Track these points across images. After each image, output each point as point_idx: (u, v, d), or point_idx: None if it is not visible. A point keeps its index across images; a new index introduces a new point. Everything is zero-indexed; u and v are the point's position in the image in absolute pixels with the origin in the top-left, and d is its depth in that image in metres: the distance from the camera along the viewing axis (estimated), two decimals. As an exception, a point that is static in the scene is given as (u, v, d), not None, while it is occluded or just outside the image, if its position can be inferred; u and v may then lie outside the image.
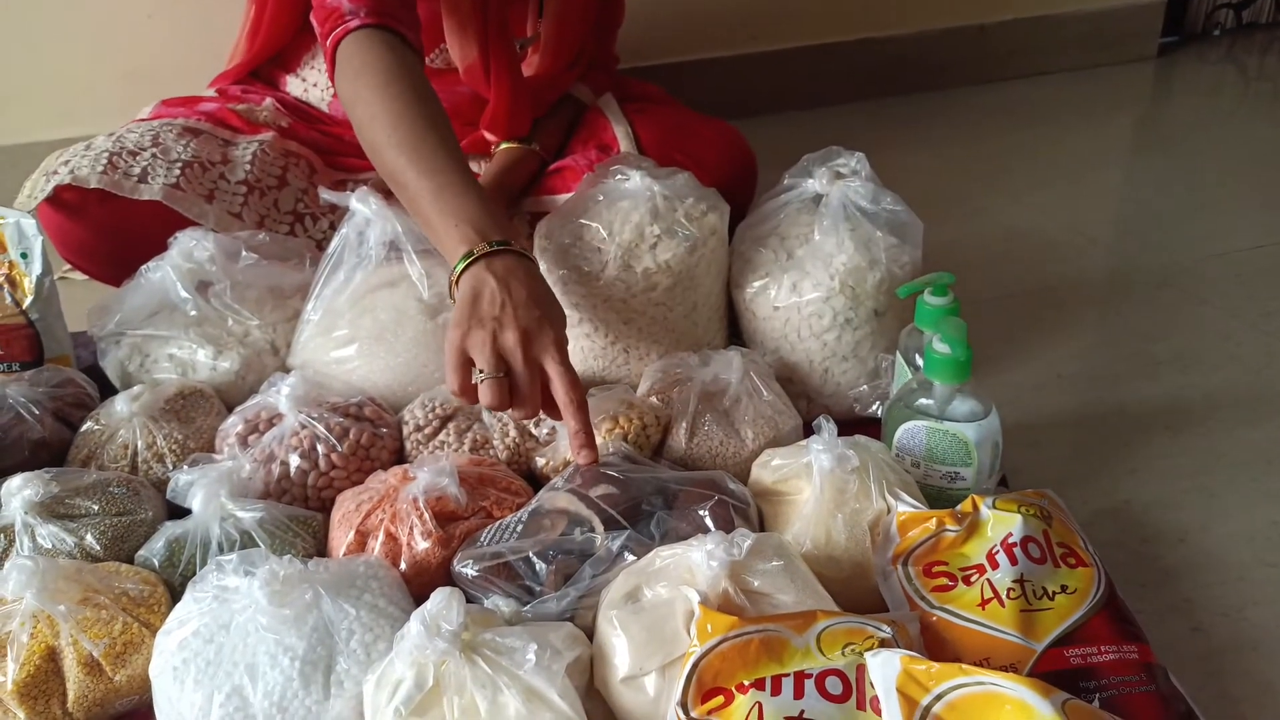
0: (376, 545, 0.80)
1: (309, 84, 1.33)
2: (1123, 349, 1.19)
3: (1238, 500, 0.94)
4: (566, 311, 0.91)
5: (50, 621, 0.72)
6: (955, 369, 0.82)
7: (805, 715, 0.59)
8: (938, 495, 0.85)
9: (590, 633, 0.71)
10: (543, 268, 1.03)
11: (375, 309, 1.02)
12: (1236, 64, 2.25)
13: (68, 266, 1.20)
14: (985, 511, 0.77)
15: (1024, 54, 2.11)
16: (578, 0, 1.26)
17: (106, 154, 1.09)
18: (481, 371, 0.83)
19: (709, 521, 0.78)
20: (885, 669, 0.60)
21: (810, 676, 0.61)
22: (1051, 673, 0.66)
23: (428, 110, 0.96)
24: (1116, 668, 0.67)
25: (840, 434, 0.81)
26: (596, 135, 1.27)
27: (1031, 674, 0.66)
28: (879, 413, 1.02)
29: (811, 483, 0.80)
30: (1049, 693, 0.56)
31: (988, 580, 0.72)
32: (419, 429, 0.95)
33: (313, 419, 0.91)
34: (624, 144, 1.23)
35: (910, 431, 0.85)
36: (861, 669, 0.62)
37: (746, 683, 0.61)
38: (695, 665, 0.63)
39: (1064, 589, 0.72)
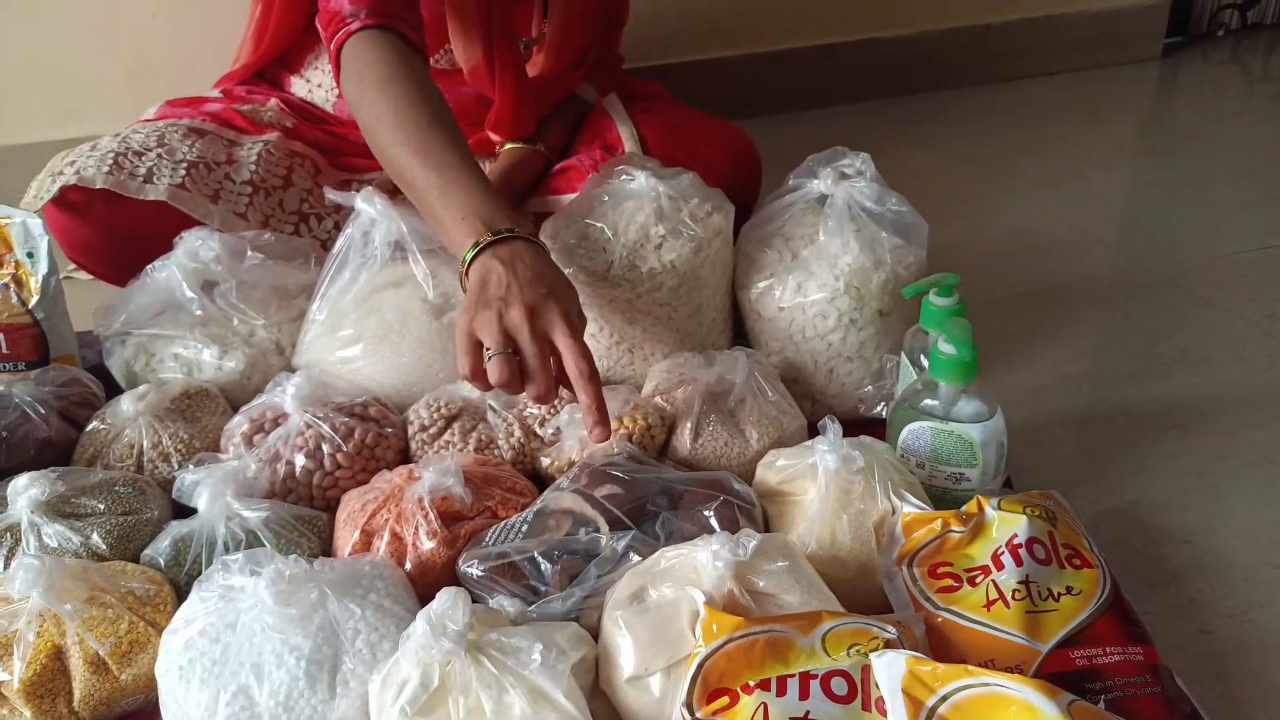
0: (382, 545, 0.80)
1: (313, 85, 1.33)
2: (1128, 350, 1.19)
3: (1244, 501, 0.94)
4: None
5: (56, 620, 0.73)
6: (960, 369, 0.82)
7: (811, 716, 0.59)
8: (943, 496, 0.85)
9: (595, 633, 0.72)
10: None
11: (380, 309, 1.02)
12: (1241, 64, 2.25)
13: (73, 266, 1.20)
14: (990, 512, 0.77)
15: (1029, 54, 2.11)
16: (583, 0, 1.26)
17: (112, 154, 1.10)
18: (490, 350, 0.82)
19: (714, 522, 0.78)
20: (891, 670, 0.60)
21: (816, 677, 0.61)
22: (1057, 674, 0.66)
23: (431, 108, 0.96)
24: (1122, 669, 0.67)
25: (845, 435, 0.81)
26: (601, 135, 1.27)
27: (1037, 675, 0.66)
28: (884, 413, 1.02)
29: (816, 483, 0.80)
30: (1055, 694, 0.56)
31: (993, 581, 0.72)
32: (424, 429, 0.95)
33: (318, 419, 0.92)
34: (628, 144, 1.23)
35: (915, 432, 0.85)
36: (867, 670, 0.62)
37: (752, 683, 0.61)
38: (700, 666, 0.63)
39: (1069, 590, 0.72)
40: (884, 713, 0.59)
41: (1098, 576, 0.73)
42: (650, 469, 0.84)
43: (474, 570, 0.76)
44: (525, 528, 0.78)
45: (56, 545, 0.81)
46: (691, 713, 0.61)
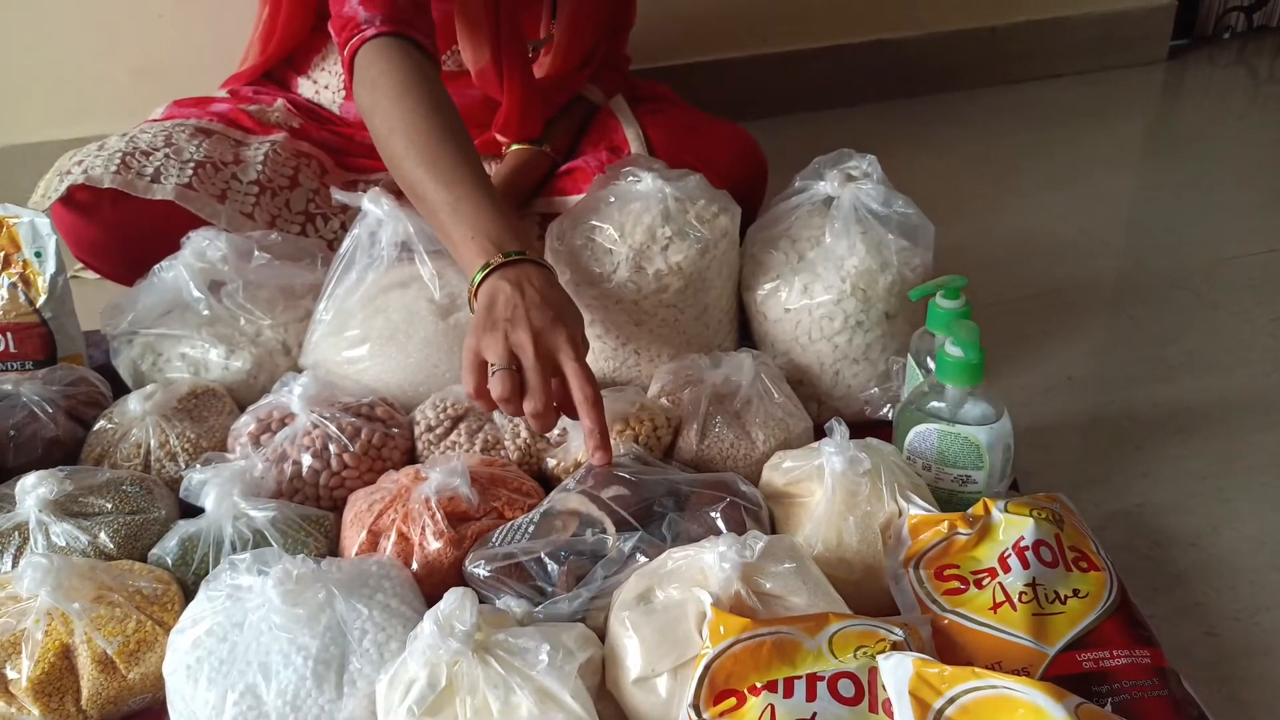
0: (388, 545, 0.80)
1: (320, 86, 1.34)
2: (1135, 352, 1.19)
3: (1250, 504, 0.94)
4: (577, 312, 0.91)
5: (64, 619, 0.73)
6: (967, 372, 0.82)
7: (817, 718, 0.59)
8: (949, 498, 0.85)
9: (602, 634, 0.72)
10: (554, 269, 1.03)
11: (387, 309, 1.02)
12: (1247, 67, 2.24)
13: (80, 265, 1.20)
14: (997, 515, 0.76)
15: (1035, 56, 2.11)
16: (590, 1, 1.26)
17: (120, 154, 1.10)
18: (493, 365, 0.83)
19: (721, 523, 0.78)
20: (898, 672, 0.60)
21: (822, 679, 0.61)
22: (1063, 677, 0.66)
23: (444, 121, 0.97)
24: (1129, 672, 0.67)
25: (851, 437, 0.81)
26: (607, 137, 1.28)
27: (1044, 678, 0.65)
28: (890, 415, 1.02)
29: (823, 485, 0.80)
30: (1062, 697, 0.56)
31: (999, 584, 0.72)
32: (430, 429, 0.95)
33: (325, 419, 0.92)
34: (635, 145, 1.23)
35: (922, 434, 0.85)
36: (874, 672, 0.62)
37: (759, 685, 0.61)
38: (707, 667, 0.63)
39: (1076, 593, 0.72)
40: (891, 715, 0.59)
41: (1104, 579, 0.73)
42: (656, 470, 0.84)
43: (481, 571, 0.76)
44: (532, 528, 0.78)
45: (64, 544, 0.81)
46: (698, 714, 0.61)
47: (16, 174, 1.54)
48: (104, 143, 1.13)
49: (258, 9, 1.31)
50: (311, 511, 0.86)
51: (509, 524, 0.80)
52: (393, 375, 1.01)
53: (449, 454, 0.92)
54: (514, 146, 1.27)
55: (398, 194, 1.04)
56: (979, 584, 0.73)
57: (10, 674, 0.71)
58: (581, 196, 1.14)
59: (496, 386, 0.82)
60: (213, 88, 1.36)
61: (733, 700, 0.61)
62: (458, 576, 0.79)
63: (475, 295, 0.88)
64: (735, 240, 1.06)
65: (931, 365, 0.87)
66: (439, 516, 0.80)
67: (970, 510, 0.78)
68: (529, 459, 0.94)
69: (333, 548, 0.85)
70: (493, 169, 1.28)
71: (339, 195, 1.04)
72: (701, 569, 0.69)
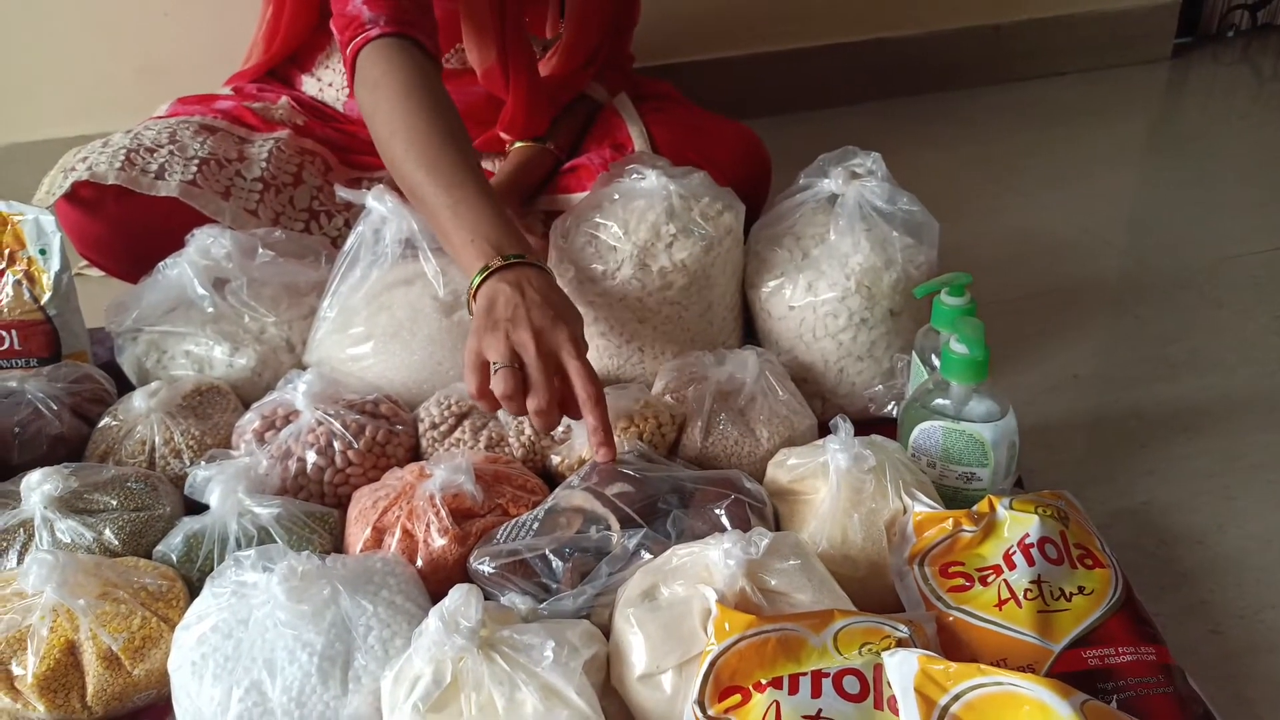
0: (393, 542, 0.80)
1: (324, 83, 1.34)
2: (1139, 350, 1.19)
3: (1255, 503, 0.94)
4: (581, 311, 0.91)
5: (70, 615, 0.73)
6: (972, 369, 0.82)
7: (823, 714, 0.59)
8: (954, 495, 0.85)
9: (607, 631, 0.72)
10: (558, 266, 1.03)
11: (391, 306, 1.02)
12: (1251, 65, 2.24)
13: (85, 263, 1.20)
14: (1002, 512, 0.76)
15: (1038, 54, 2.11)
16: (596, 1, 1.26)
17: (124, 151, 1.10)
18: (496, 364, 0.83)
19: (725, 520, 0.78)
20: (903, 669, 0.60)
21: (828, 675, 0.61)
22: (1069, 674, 0.66)
23: (445, 124, 0.97)
24: (1134, 669, 0.67)
25: (856, 434, 0.81)
26: (611, 134, 1.28)
27: (1049, 675, 0.65)
28: (894, 413, 1.01)
29: (828, 482, 0.80)
30: (1068, 693, 0.56)
31: (1005, 581, 0.72)
32: (434, 426, 0.95)
33: (329, 416, 0.92)
34: (638, 143, 1.23)
35: (926, 431, 0.85)
36: (879, 668, 0.62)
37: (764, 681, 0.61)
38: (712, 663, 0.63)
39: (1081, 590, 0.72)
40: (896, 711, 0.59)
41: (1109, 576, 0.73)
42: (661, 467, 0.84)
43: (485, 567, 0.76)
44: (536, 525, 0.79)
45: (69, 541, 0.81)
46: (703, 710, 0.61)
47: (21, 172, 1.54)
48: (108, 140, 1.13)
49: (261, 7, 1.31)
50: (316, 508, 0.86)
51: (513, 521, 0.80)
52: (397, 372, 1.01)
53: (453, 451, 0.92)
54: (518, 144, 1.27)
55: (401, 191, 1.04)
56: (984, 581, 0.73)
57: (16, 670, 0.71)
58: (585, 194, 1.15)
59: (500, 384, 0.82)
60: (217, 86, 1.36)
61: (738, 697, 0.61)
62: (462, 573, 0.79)
63: (474, 297, 0.88)
64: (739, 238, 1.06)
65: (936, 362, 0.87)
66: (443, 513, 0.80)
67: (975, 507, 0.78)
68: (533, 456, 0.94)
69: (337, 544, 0.85)
70: (496, 166, 1.28)
71: (343, 192, 1.04)
72: (706, 566, 0.70)
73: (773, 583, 0.69)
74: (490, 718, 0.62)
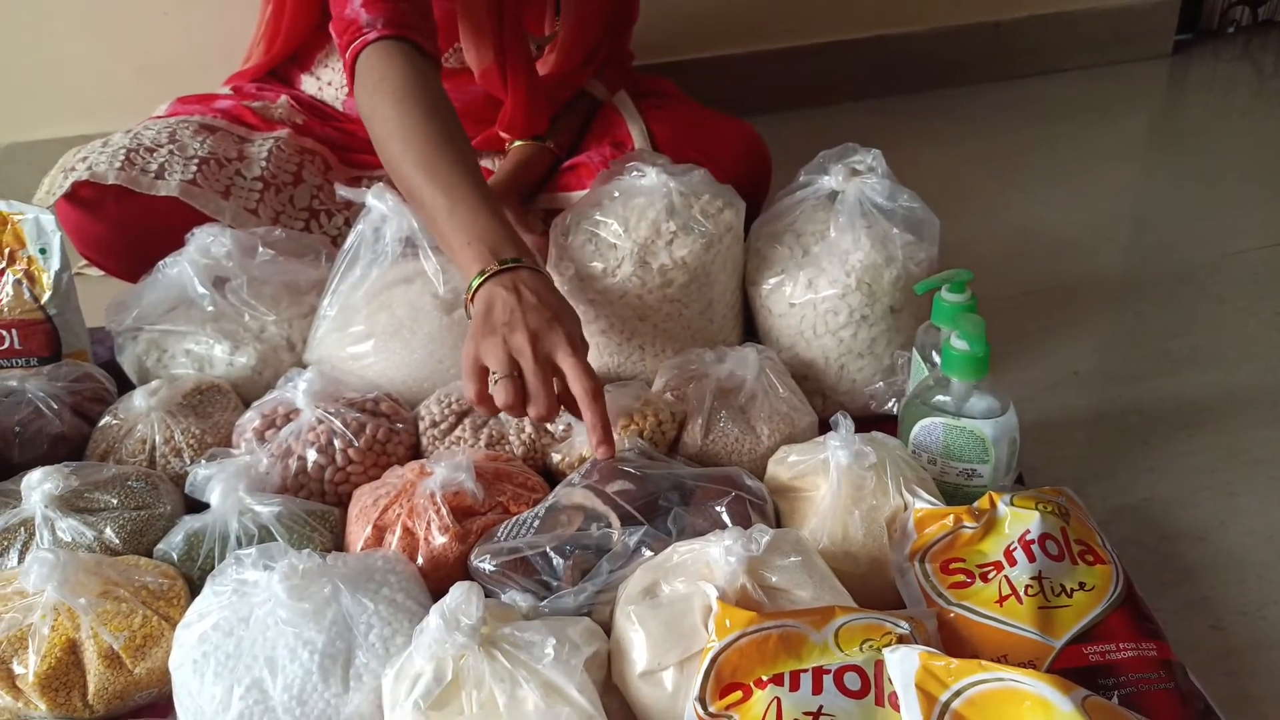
0: (394, 540, 0.80)
1: (323, 83, 1.34)
2: (1140, 347, 1.18)
3: (1257, 499, 0.93)
4: (582, 309, 0.91)
5: (71, 614, 0.73)
6: (973, 365, 0.82)
7: (824, 711, 0.59)
8: (955, 492, 0.85)
9: (608, 628, 0.72)
10: (558, 264, 1.03)
11: (391, 305, 1.02)
12: (1252, 61, 2.24)
13: (85, 262, 1.21)
14: (1003, 508, 0.76)
15: (1039, 51, 2.10)
16: (594, -1, 1.26)
17: (124, 150, 1.10)
18: (495, 373, 0.83)
19: (726, 517, 0.78)
20: (904, 665, 0.60)
21: (829, 672, 0.61)
22: (1070, 670, 0.66)
23: (443, 126, 0.97)
24: (1135, 665, 0.67)
25: (856, 431, 0.81)
26: (611, 132, 1.27)
27: (1050, 671, 0.65)
28: (895, 410, 1.01)
29: (828, 479, 0.80)
30: (1069, 689, 0.56)
31: (1005, 577, 0.72)
32: (435, 424, 0.95)
33: (329, 414, 0.92)
34: (638, 141, 1.23)
35: (927, 428, 0.85)
36: (880, 665, 0.61)
37: (765, 678, 0.61)
38: (713, 660, 0.63)
39: (1082, 586, 0.72)
40: (897, 708, 0.59)
41: (1110, 572, 0.73)
42: (661, 465, 0.84)
43: (486, 565, 0.76)
44: (537, 523, 0.78)
45: (70, 540, 0.81)
46: (704, 707, 0.61)
47: (22, 171, 1.54)
48: (108, 139, 1.14)
49: (261, 7, 1.31)
50: (317, 507, 0.86)
51: (514, 519, 0.80)
52: (397, 371, 1.01)
53: (454, 449, 0.92)
54: (517, 142, 1.27)
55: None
56: (985, 577, 0.73)
57: (17, 669, 0.71)
58: (585, 192, 1.15)
59: (500, 395, 0.83)
60: (216, 85, 1.36)
61: (739, 693, 0.61)
62: (463, 571, 0.79)
63: (472, 301, 0.88)
64: (740, 235, 1.06)
65: (937, 359, 0.87)
66: (444, 511, 0.80)
67: (976, 504, 0.78)
68: (533, 454, 0.94)
69: (338, 543, 0.85)
70: (495, 164, 1.28)
71: (343, 191, 1.04)
72: (707, 563, 0.69)
73: (774, 579, 0.69)
74: (491, 715, 0.62)
